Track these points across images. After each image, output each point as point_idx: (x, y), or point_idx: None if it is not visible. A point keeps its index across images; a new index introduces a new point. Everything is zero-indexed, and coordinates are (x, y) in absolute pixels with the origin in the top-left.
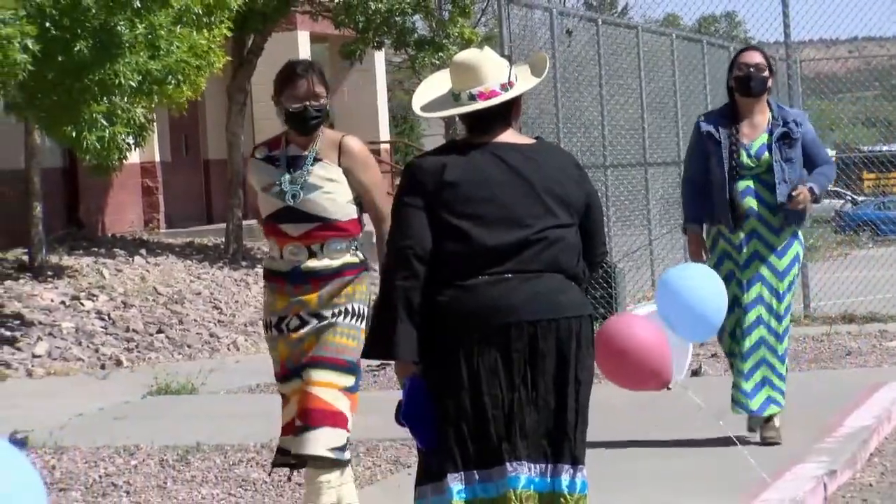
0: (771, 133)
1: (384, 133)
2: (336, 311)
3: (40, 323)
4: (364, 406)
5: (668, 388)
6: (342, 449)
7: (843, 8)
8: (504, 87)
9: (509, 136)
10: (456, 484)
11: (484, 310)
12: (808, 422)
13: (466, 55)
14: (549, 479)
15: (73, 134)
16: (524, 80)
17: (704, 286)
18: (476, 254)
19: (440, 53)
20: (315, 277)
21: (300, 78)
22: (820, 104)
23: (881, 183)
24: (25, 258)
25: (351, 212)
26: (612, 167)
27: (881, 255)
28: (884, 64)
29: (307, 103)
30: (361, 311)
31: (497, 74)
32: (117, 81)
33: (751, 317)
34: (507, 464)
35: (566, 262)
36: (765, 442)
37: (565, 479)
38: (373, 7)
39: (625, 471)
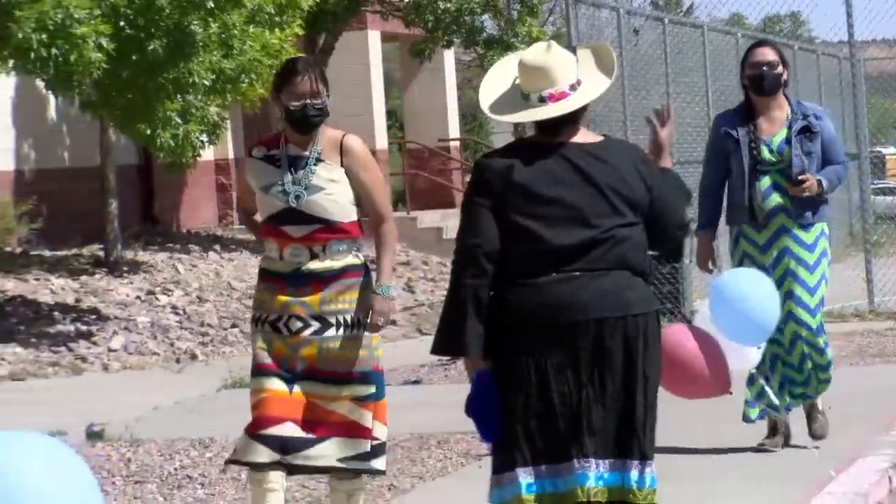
0: (790, 127)
1: (453, 130)
2: (339, 318)
3: (116, 318)
4: (435, 399)
5: (730, 394)
6: (361, 458)
7: None
8: (573, 87)
9: (578, 136)
10: (526, 478)
11: (552, 307)
12: (873, 415)
13: (535, 56)
14: (618, 475)
15: (148, 132)
16: (593, 80)
17: (755, 291)
18: (544, 253)
19: (508, 52)
20: (317, 279)
21: (300, 75)
22: (883, 103)
23: None
24: (101, 254)
25: (352, 213)
26: (678, 164)
27: None
28: None
29: (307, 101)
30: (363, 321)
31: (566, 74)
32: (191, 80)
33: (783, 314)
34: (575, 460)
35: (633, 259)
36: (814, 435)
37: (634, 474)
38: (442, 6)
39: (690, 465)
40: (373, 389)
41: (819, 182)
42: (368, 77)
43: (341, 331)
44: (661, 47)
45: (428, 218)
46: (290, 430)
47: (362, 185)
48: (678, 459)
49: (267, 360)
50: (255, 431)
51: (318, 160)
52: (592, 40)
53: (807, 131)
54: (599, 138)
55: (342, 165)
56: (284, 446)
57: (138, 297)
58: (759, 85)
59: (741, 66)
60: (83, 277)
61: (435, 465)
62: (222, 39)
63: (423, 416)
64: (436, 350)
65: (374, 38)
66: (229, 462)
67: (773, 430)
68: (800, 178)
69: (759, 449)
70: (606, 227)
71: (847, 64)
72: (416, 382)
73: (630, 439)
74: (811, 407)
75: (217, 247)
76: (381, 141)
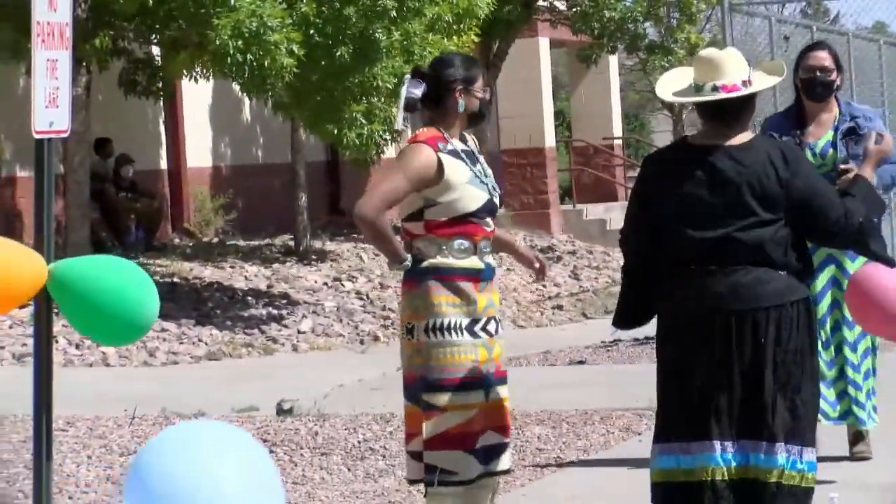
0: (836, 129)
1: (617, 130)
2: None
3: (305, 302)
4: (599, 378)
5: None
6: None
7: None
8: (745, 83)
9: (733, 139)
10: (660, 453)
11: (691, 299)
12: None
13: (712, 51)
14: (756, 455)
15: (335, 131)
16: (762, 80)
17: None
18: (684, 247)
19: (669, 57)
20: (493, 275)
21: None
22: None
23: None
24: (291, 244)
25: None
26: None
27: None
28: None
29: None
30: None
31: (739, 70)
32: (375, 84)
33: (829, 326)
34: (709, 441)
35: (769, 254)
36: (854, 457)
37: (779, 455)
38: (607, 15)
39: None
40: None
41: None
42: (539, 81)
43: (502, 328)
44: None
45: (592, 210)
46: (491, 438)
47: None
48: None
49: (477, 372)
50: (469, 448)
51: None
52: (746, 46)
53: (853, 133)
54: (747, 139)
55: None
56: (487, 455)
57: (325, 284)
58: (812, 90)
59: (795, 65)
60: (275, 265)
61: (598, 439)
62: (404, 46)
63: (587, 393)
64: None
65: (543, 44)
66: (441, 483)
67: (857, 436)
68: (842, 166)
69: (856, 457)
70: (740, 225)
71: None
72: (580, 363)
73: (772, 423)
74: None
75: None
76: (550, 139)
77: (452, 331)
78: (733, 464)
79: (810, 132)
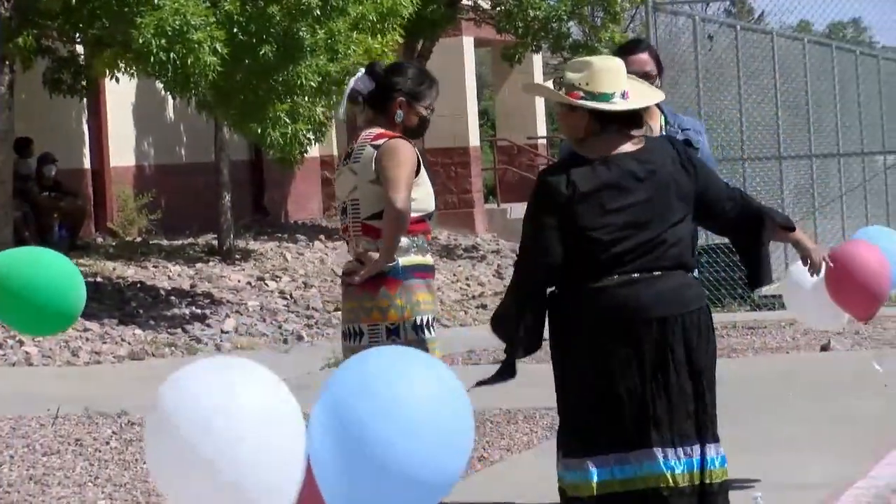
0: None
1: (541, 129)
2: None
3: (228, 302)
4: (522, 377)
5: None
6: None
7: None
8: (628, 97)
9: (628, 144)
10: (594, 467)
11: (615, 310)
12: None
13: (612, 60)
14: (695, 459)
15: (259, 130)
16: (642, 91)
17: None
18: (604, 258)
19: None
20: None
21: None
22: None
23: None
24: (215, 243)
25: None
26: (749, 160)
27: None
28: None
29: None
30: None
31: (626, 80)
32: (299, 82)
33: None
34: (649, 449)
35: (686, 258)
36: None
37: (709, 457)
38: (531, 14)
39: (758, 436)
40: None
41: None
42: (463, 80)
43: None
44: (733, 52)
45: (517, 210)
46: None
47: None
48: (745, 431)
49: None
50: None
51: None
52: (670, 45)
53: (688, 146)
54: (642, 143)
55: None
56: None
57: (249, 283)
58: None
59: None
60: (198, 265)
61: (521, 438)
62: (328, 45)
63: (510, 392)
64: (495, 330)
65: (468, 43)
66: None
67: None
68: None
69: None
70: (660, 229)
71: None
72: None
73: (700, 425)
74: None
75: (322, 236)
76: (474, 138)
77: (431, 328)
78: (679, 469)
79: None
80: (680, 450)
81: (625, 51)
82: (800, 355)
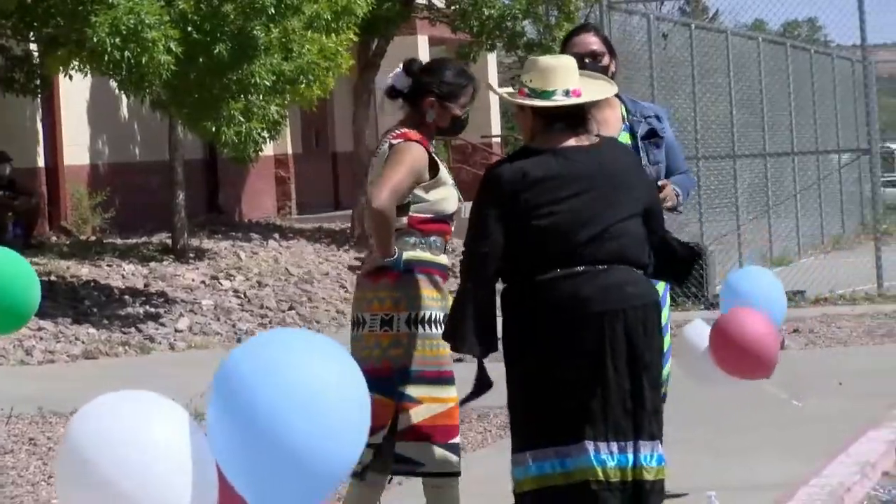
0: (632, 131)
1: (496, 128)
2: None
3: (182, 301)
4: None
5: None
6: None
7: None
8: (577, 94)
9: (574, 140)
10: (533, 461)
11: (558, 303)
12: (882, 390)
13: (556, 59)
14: (627, 456)
15: (214, 129)
16: (598, 87)
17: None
18: (549, 252)
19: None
20: None
21: (472, 84)
22: (893, 102)
23: None
24: (169, 242)
25: None
26: (703, 159)
27: None
28: None
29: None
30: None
31: (577, 78)
32: (254, 81)
33: None
34: (585, 443)
35: (633, 254)
36: None
37: (643, 454)
38: (486, 13)
39: (704, 441)
40: None
41: (676, 193)
42: None
43: None
44: (688, 51)
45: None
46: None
47: None
48: (692, 436)
49: (450, 367)
50: (443, 441)
51: None
52: (625, 44)
53: (653, 136)
54: (594, 140)
55: None
56: (458, 451)
57: (203, 282)
58: None
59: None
60: (152, 264)
61: (476, 437)
62: (282, 43)
63: (464, 392)
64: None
65: (423, 42)
66: (398, 473)
67: None
68: (659, 183)
69: None
70: (605, 224)
71: (860, 66)
72: (459, 360)
73: (637, 422)
74: None
75: (276, 235)
76: None
77: (434, 324)
78: (610, 464)
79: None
80: (613, 444)
81: (570, 35)
82: None
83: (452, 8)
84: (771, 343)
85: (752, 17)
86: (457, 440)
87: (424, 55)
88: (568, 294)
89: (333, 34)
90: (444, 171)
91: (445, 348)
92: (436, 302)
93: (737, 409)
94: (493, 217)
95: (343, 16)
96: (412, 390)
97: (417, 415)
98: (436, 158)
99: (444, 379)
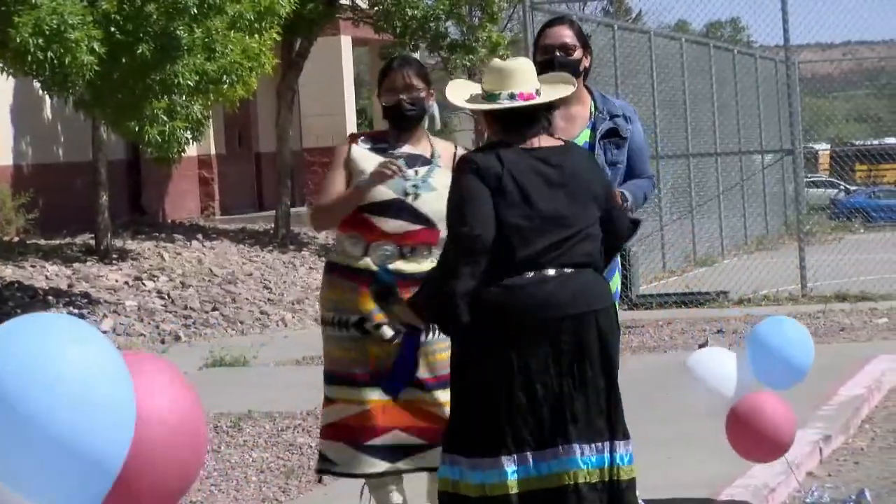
0: (594, 128)
1: None
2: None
3: (106, 301)
4: None
5: None
6: None
7: (838, 14)
8: (538, 92)
9: (544, 140)
10: (510, 465)
11: (530, 307)
12: (807, 391)
13: (506, 62)
14: (604, 457)
15: (137, 129)
16: (552, 90)
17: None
18: (521, 254)
19: (470, 56)
20: (402, 280)
21: (394, 71)
22: (816, 102)
23: (872, 174)
24: (92, 242)
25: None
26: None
27: (872, 239)
28: (874, 65)
29: (401, 96)
30: None
31: (533, 81)
32: (177, 81)
33: None
34: (561, 447)
35: (597, 257)
36: None
37: (619, 454)
38: (409, 13)
39: (635, 436)
40: None
41: (622, 195)
42: (341, 79)
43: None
44: (610, 51)
45: None
46: (401, 437)
47: None
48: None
49: (364, 369)
50: (358, 442)
51: (438, 164)
52: None
53: (614, 135)
54: (561, 142)
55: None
56: (394, 453)
57: (126, 283)
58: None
59: (533, 48)
60: (76, 264)
61: None
62: (205, 43)
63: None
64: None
65: (346, 42)
66: (322, 472)
67: None
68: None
69: None
70: (576, 228)
71: (783, 66)
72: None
73: (612, 422)
74: None
75: (199, 236)
76: None
77: (341, 326)
78: (590, 466)
79: (558, 126)
80: (593, 445)
81: (545, 26)
82: (677, 354)
83: (376, 9)
84: (789, 432)
85: (676, 17)
86: (396, 442)
87: (348, 56)
88: (542, 298)
89: (257, 34)
90: (365, 163)
91: (346, 350)
92: (329, 303)
93: (662, 409)
94: (486, 200)
95: (266, 16)
96: (326, 390)
97: (329, 415)
98: (352, 150)
99: (358, 380)
